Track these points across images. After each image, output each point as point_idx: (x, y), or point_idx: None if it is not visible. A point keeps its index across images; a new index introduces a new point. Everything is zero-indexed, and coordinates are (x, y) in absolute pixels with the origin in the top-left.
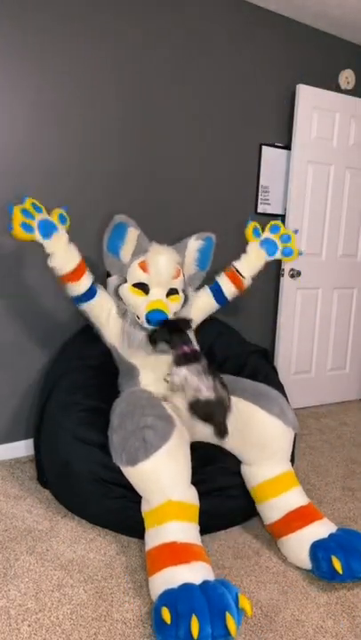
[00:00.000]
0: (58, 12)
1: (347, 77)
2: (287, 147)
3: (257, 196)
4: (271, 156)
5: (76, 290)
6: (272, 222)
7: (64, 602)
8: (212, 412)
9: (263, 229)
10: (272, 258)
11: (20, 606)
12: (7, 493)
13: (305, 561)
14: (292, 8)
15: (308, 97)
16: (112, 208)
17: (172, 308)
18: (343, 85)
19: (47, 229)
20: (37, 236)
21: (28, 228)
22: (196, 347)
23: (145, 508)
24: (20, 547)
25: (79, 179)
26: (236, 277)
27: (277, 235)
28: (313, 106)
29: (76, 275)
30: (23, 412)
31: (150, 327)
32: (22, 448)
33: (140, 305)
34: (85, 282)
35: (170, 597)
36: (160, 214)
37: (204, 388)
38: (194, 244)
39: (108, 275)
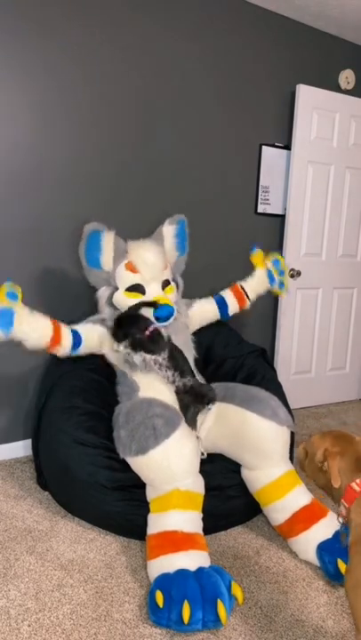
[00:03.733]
0: (59, 13)
1: (347, 77)
2: (287, 147)
3: (257, 195)
4: (271, 156)
5: (63, 351)
6: (275, 255)
7: (64, 602)
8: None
9: (263, 258)
10: (270, 288)
11: (19, 606)
12: (7, 493)
13: (315, 560)
14: (292, 8)
15: (308, 97)
16: (111, 209)
17: (171, 299)
18: (343, 85)
19: (5, 320)
20: (1, 334)
21: None
22: (160, 331)
23: (151, 494)
24: (20, 547)
25: (78, 180)
26: (241, 297)
27: (276, 269)
28: (313, 106)
29: (54, 341)
30: (22, 411)
31: (163, 324)
32: (22, 448)
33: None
34: (66, 341)
35: (165, 581)
36: (160, 214)
37: (166, 380)
38: (169, 230)
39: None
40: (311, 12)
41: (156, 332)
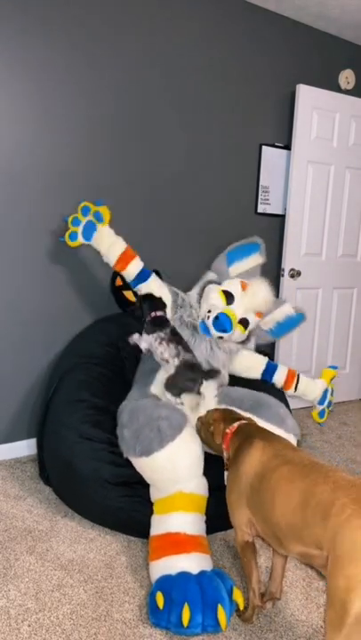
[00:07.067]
0: (58, 15)
1: (347, 77)
2: (287, 147)
3: (257, 196)
4: (271, 156)
5: (126, 276)
6: (332, 386)
7: (64, 602)
8: (179, 378)
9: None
10: (315, 401)
11: (20, 606)
12: (7, 493)
13: None
14: (292, 8)
15: (308, 97)
16: (112, 209)
17: (236, 331)
18: (343, 85)
19: (88, 232)
20: (82, 240)
21: (73, 236)
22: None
23: (155, 495)
24: (20, 547)
25: (79, 180)
26: (291, 381)
27: (332, 396)
28: (313, 106)
29: (121, 264)
30: (24, 412)
31: (214, 332)
32: (22, 448)
33: (219, 307)
34: (133, 268)
35: (166, 583)
36: (160, 214)
37: (167, 354)
38: (286, 309)
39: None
40: (311, 12)
41: (162, 317)
